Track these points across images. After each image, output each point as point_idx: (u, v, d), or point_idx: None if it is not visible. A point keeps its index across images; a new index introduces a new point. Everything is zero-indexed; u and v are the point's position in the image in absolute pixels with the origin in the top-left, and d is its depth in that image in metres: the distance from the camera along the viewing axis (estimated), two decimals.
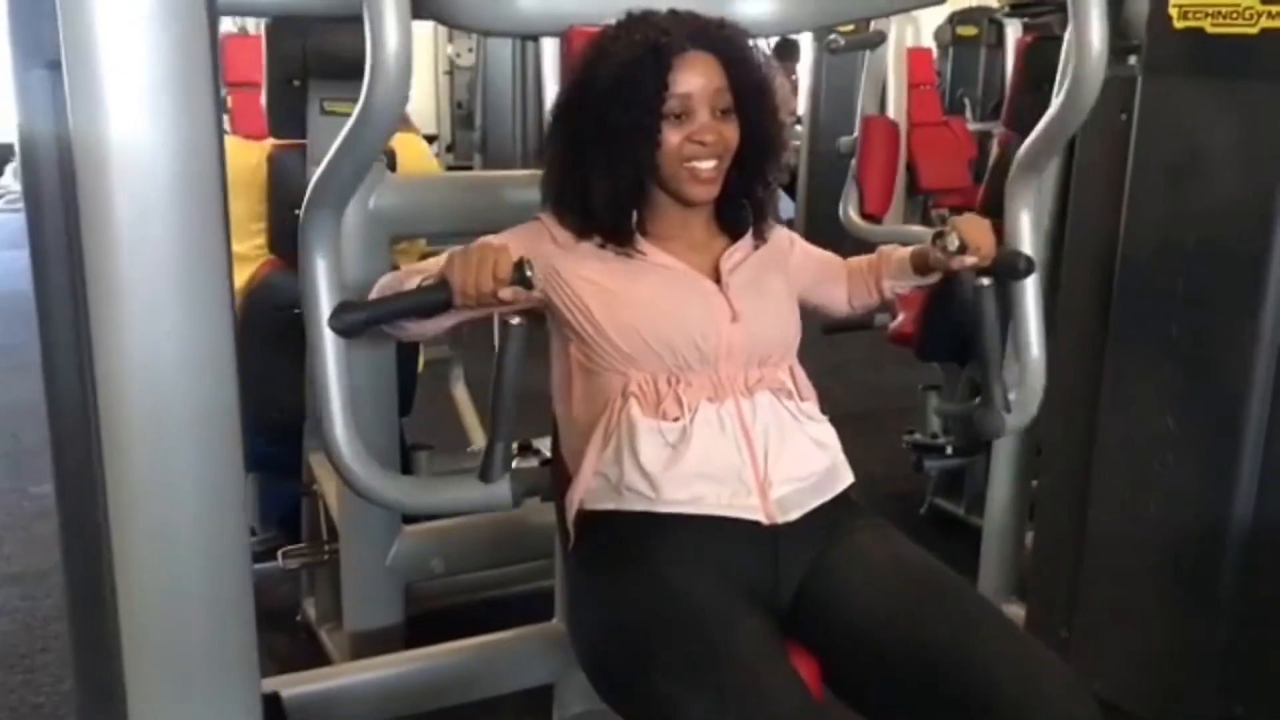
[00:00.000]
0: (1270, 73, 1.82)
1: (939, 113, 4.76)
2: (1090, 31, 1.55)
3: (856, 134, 3.43)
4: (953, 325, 2.86)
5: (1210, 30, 1.87)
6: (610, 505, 1.49)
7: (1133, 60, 2.23)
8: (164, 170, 1.02)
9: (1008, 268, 1.62)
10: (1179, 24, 1.91)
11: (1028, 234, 1.78)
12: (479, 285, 1.30)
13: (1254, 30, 1.83)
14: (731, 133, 1.50)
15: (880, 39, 3.27)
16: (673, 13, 1.53)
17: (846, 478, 1.57)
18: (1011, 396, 1.71)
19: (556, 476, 1.73)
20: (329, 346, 1.28)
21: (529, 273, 1.30)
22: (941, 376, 3.20)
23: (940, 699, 1.35)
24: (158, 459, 1.07)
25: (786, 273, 1.64)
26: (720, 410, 1.48)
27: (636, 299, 1.50)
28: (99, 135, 0.99)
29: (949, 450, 3.00)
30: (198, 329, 1.06)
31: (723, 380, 1.50)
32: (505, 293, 1.30)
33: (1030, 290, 1.76)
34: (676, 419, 1.47)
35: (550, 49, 4.79)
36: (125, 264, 1.01)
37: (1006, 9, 4.36)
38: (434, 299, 1.34)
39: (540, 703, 2.07)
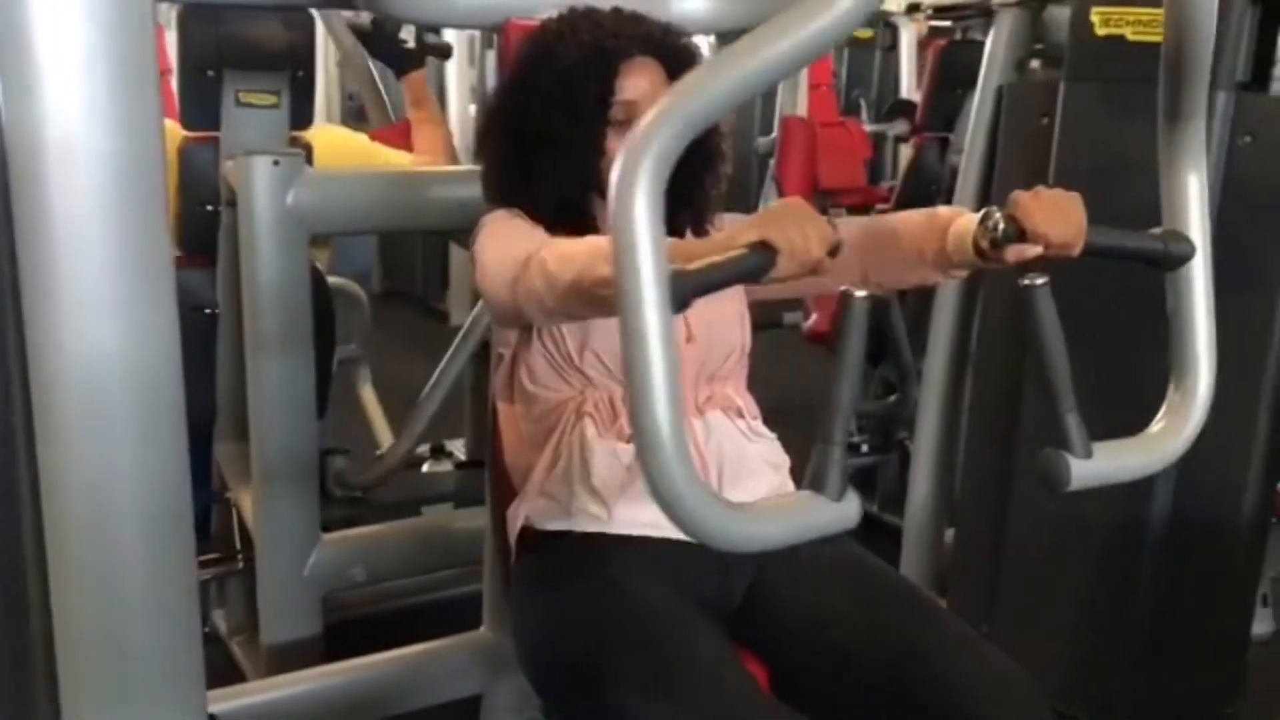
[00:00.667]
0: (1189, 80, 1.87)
1: (836, 113, 4.82)
2: None
3: (775, 134, 3.44)
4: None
5: (1131, 38, 1.92)
6: (560, 526, 1.45)
7: (1035, 64, 2.29)
8: (103, 154, 0.95)
9: (1150, 254, 1.30)
10: (1100, 31, 1.95)
11: (1194, 205, 1.34)
12: (810, 248, 1.09)
13: None
14: None
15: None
16: (616, 12, 1.49)
17: (791, 489, 1.56)
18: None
19: (495, 485, 1.69)
20: (663, 334, 0.93)
21: (839, 237, 1.12)
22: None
23: (893, 699, 1.35)
24: (97, 460, 0.99)
25: None
26: None
27: (595, 319, 1.45)
28: (34, 120, 0.93)
29: (864, 449, 3.03)
30: (141, 324, 0.98)
31: None
32: (828, 261, 1.12)
33: (1198, 283, 1.32)
34: (631, 440, 1.43)
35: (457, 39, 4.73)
36: (63, 255, 0.94)
37: (903, 9, 4.39)
38: (758, 265, 1.09)
39: (468, 713, 2.03)
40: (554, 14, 1.51)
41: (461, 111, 4.69)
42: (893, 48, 7.19)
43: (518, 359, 1.51)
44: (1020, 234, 1.23)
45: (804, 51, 0.93)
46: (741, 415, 1.53)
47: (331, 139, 2.31)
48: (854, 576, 1.47)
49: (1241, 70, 1.87)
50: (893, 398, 2.71)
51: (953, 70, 2.86)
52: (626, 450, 1.42)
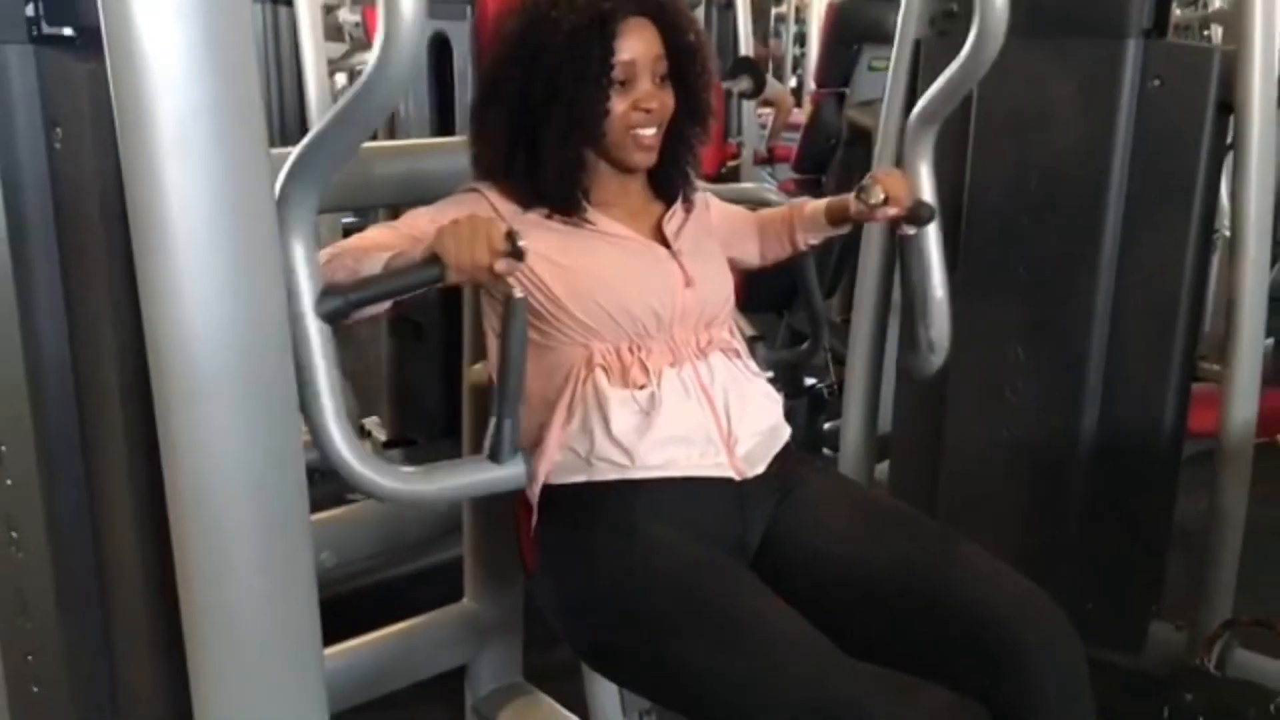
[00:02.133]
0: (1099, 28, 2.02)
1: None
2: None
3: None
4: (773, 277, 3.01)
5: None
6: (581, 477, 1.49)
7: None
8: (212, 139, 0.94)
9: (914, 216, 1.75)
10: None
11: (928, 182, 1.89)
12: (475, 259, 1.25)
13: None
14: (670, 99, 1.53)
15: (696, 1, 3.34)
16: None
17: (787, 429, 1.64)
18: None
19: None
20: (315, 335, 1.19)
21: (520, 243, 1.27)
22: (763, 327, 3.33)
23: (919, 625, 1.44)
24: (212, 435, 1.01)
25: (714, 230, 1.69)
26: (681, 374, 1.51)
27: (594, 270, 1.50)
28: (145, 107, 0.91)
29: (781, 397, 3.13)
30: (250, 301, 1.00)
31: (678, 344, 1.53)
32: (500, 265, 1.26)
33: (933, 237, 1.87)
34: (643, 386, 1.48)
35: (306, 17, 4.59)
36: (175, 239, 0.95)
37: None
38: (426, 276, 1.27)
39: (451, 684, 2.04)
40: None
41: (321, 94, 4.53)
42: (729, 5, 7.34)
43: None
44: (886, 199, 1.66)
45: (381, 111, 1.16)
46: (739, 356, 1.60)
47: None
48: (864, 507, 1.57)
49: (1146, 17, 2.02)
50: (804, 345, 2.83)
51: (848, 27, 2.96)
52: (641, 395, 1.48)
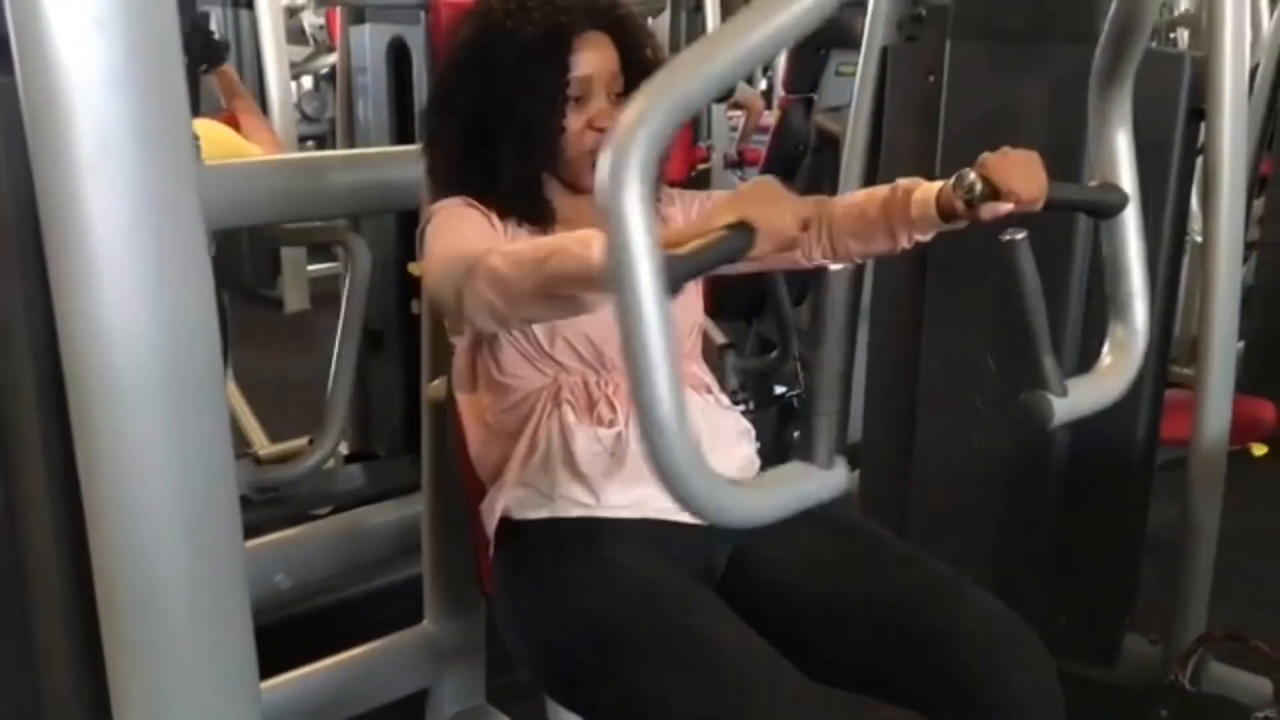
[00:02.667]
0: (1070, 35, 1.98)
1: None
2: None
3: None
4: (742, 285, 2.98)
5: None
6: (544, 514, 1.44)
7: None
8: (129, 122, 0.89)
9: (1089, 205, 1.43)
10: None
11: (1124, 160, 1.47)
12: (785, 224, 1.13)
13: None
14: None
15: (661, 6, 3.30)
16: None
17: (757, 462, 1.59)
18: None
19: (457, 477, 1.65)
20: (658, 314, 0.91)
21: (808, 213, 1.17)
22: (732, 336, 3.29)
23: (886, 649, 1.40)
24: (133, 438, 0.94)
25: None
26: None
27: None
28: (55, 91, 0.86)
29: (750, 405, 3.09)
30: (175, 298, 0.93)
31: None
32: (801, 235, 1.17)
33: (1130, 230, 1.44)
34: (611, 423, 1.43)
35: (268, 20, 4.53)
36: (92, 230, 0.88)
37: None
38: (739, 243, 1.12)
39: (412, 708, 1.99)
40: None
41: (284, 98, 4.45)
42: (698, 9, 7.31)
43: (479, 349, 1.47)
44: (993, 192, 1.31)
45: (785, 32, 0.92)
46: (710, 390, 1.55)
47: (206, 130, 2.19)
48: (831, 531, 1.52)
49: None
50: (773, 354, 2.80)
51: (814, 32, 2.92)
52: (607, 434, 1.42)
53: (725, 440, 1.51)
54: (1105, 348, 1.48)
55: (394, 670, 1.95)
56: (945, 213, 1.39)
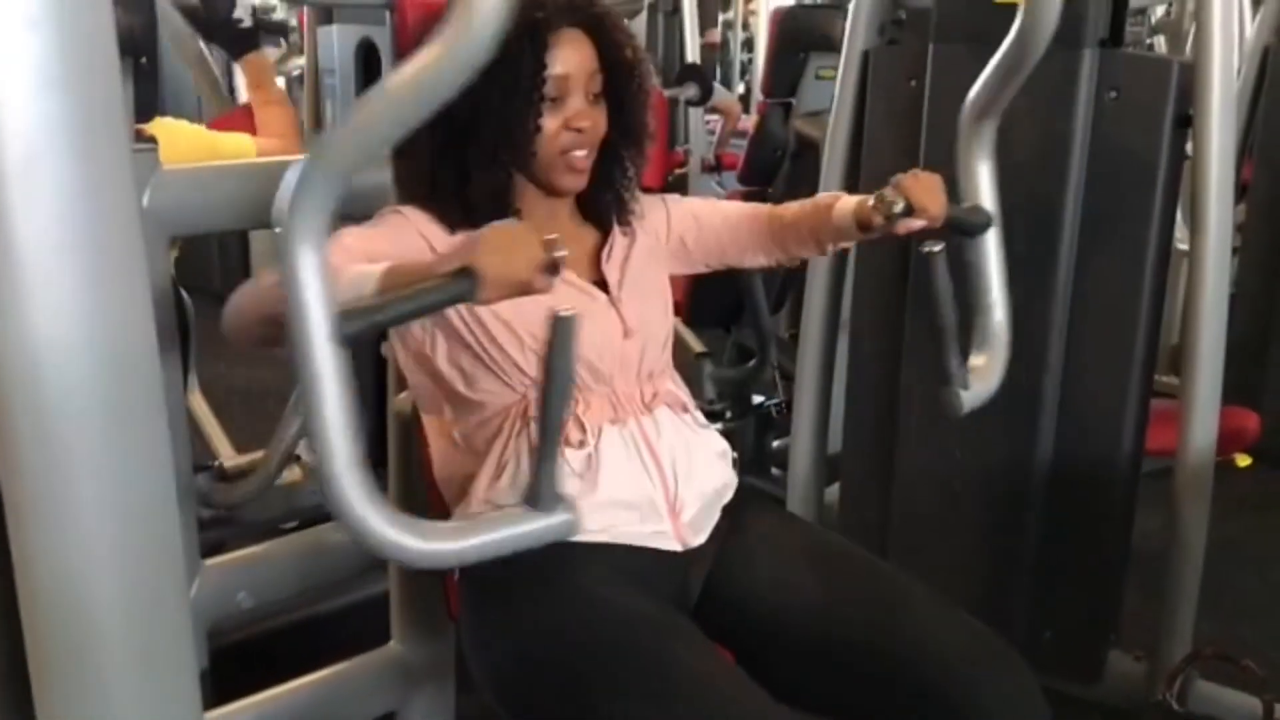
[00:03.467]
0: (1056, 38, 1.93)
1: None
2: None
3: None
4: (720, 292, 2.92)
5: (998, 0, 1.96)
6: None
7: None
8: (55, 119, 0.82)
9: (962, 224, 1.53)
10: None
11: (986, 186, 1.66)
12: (516, 273, 1.09)
13: None
14: (602, 119, 1.42)
15: (639, 8, 3.24)
16: None
17: (735, 482, 1.54)
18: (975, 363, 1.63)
19: (423, 498, 1.59)
20: (330, 366, 0.98)
21: (560, 253, 1.12)
22: (710, 344, 3.24)
23: (866, 671, 1.36)
24: (62, 459, 0.87)
25: (665, 250, 1.56)
26: (624, 431, 1.40)
27: (526, 312, 1.38)
28: None
29: (728, 415, 3.04)
30: (113, 305, 0.87)
31: (621, 399, 1.41)
32: (541, 282, 1.11)
33: (991, 248, 1.63)
34: (581, 444, 1.37)
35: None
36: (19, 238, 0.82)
37: None
38: (456, 292, 1.10)
39: None
40: None
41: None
42: (675, 11, 7.26)
43: (442, 369, 1.41)
44: (908, 209, 1.43)
45: (437, 95, 0.96)
46: (686, 409, 1.49)
47: (170, 131, 2.11)
48: (809, 551, 1.47)
49: (1102, 27, 1.95)
50: (751, 362, 2.74)
51: (794, 35, 2.88)
52: (577, 455, 1.36)
53: (701, 462, 1.45)
54: (974, 349, 1.66)
55: (361, 693, 1.89)
56: (863, 225, 1.48)
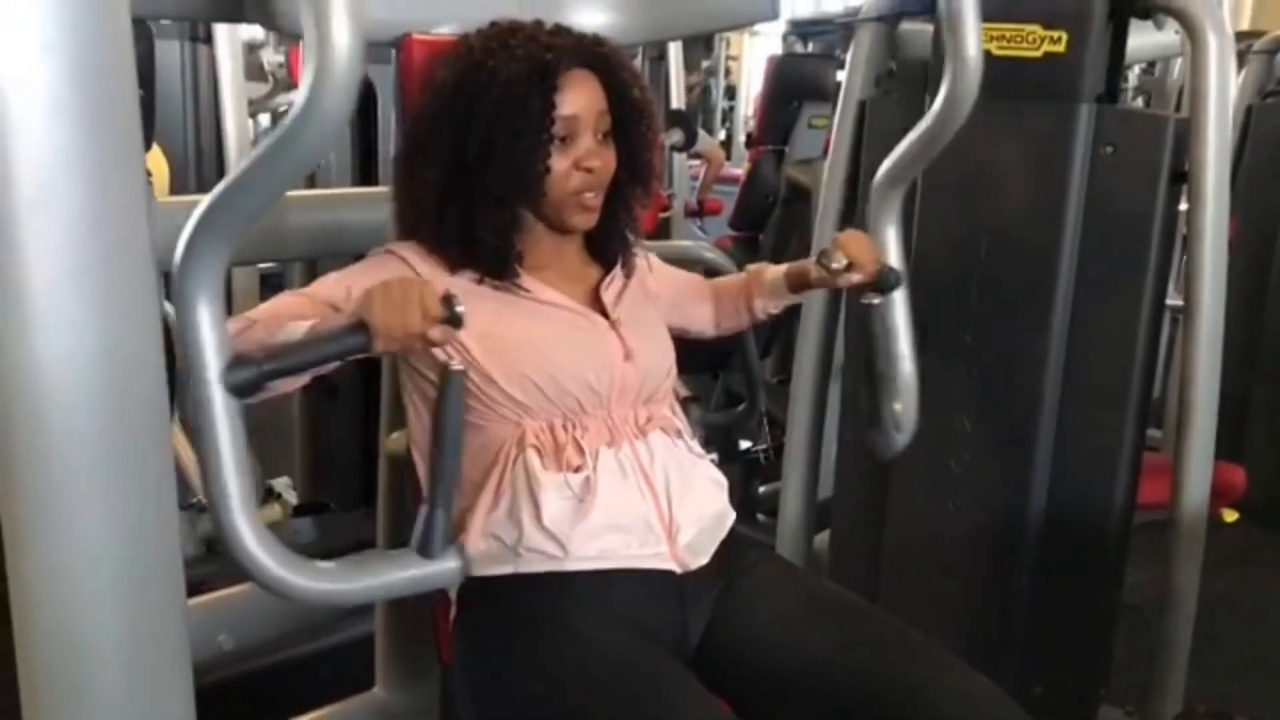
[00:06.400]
0: (1053, 93, 1.96)
1: None
2: (966, 42, 1.56)
3: None
4: (709, 338, 2.91)
5: (996, 53, 1.97)
6: (508, 569, 1.35)
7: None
8: (71, 148, 0.81)
9: (878, 282, 1.63)
10: None
11: (894, 246, 1.76)
12: (407, 325, 1.12)
13: (1037, 54, 1.96)
14: (612, 159, 1.42)
15: (632, 55, 3.25)
16: (540, 24, 1.42)
17: (732, 515, 1.52)
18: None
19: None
20: (220, 409, 1.04)
21: (458, 308, 1.14)
22: (698, 389, 3.22)
23: None
24: (67, 482, 0.87)
25: (657, 295, 1.58)
26: (619, 455, 1.38)
27: (526, 341, 1.38)
28: None
29: (716, 458, 3.01)
30: (125, 337, 0.87)
31: (616, 423, 1.40)
32: (435, 333, 1.13)
33: (900, 304, 1.74)
34: (579, 469, 1.35)
35: (227, 57, 4.44)
36: (30, 259, 0.81)
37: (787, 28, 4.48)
38: (350, 344, 1.14)
39: None
40: (471, 30, 1.42)
41: (241, 135, 4.36)
42: (661, 57, 7.33)
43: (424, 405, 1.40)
44: (848, 265, 1.54)
45: (316, 140, 0.97)
46: (681, 435, 1.48)
47: (156, 162, 2.10)
48: (809, 601, 1.45)
49: (1099, 83, 1.96)
50: (739, 408, 2.73)
51: (787, 83, 2.90)
52: (575, 479, 1.35)
53: (697, 486, 1.44)
54: (891, 398, 1.77)
55: None
56: (796, 287, 1.63)
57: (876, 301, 1.64)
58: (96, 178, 0.81)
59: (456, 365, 1.19)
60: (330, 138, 0.93)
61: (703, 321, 1.70)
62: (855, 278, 1.55)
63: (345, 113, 0.92)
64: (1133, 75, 5.10)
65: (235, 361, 1.08)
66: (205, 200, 0.98)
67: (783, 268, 1.65)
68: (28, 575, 0.88)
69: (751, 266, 1.71)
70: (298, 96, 0.90)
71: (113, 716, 0.92)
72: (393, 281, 1.15)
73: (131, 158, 0.84)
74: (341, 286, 1.36)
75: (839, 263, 1.53)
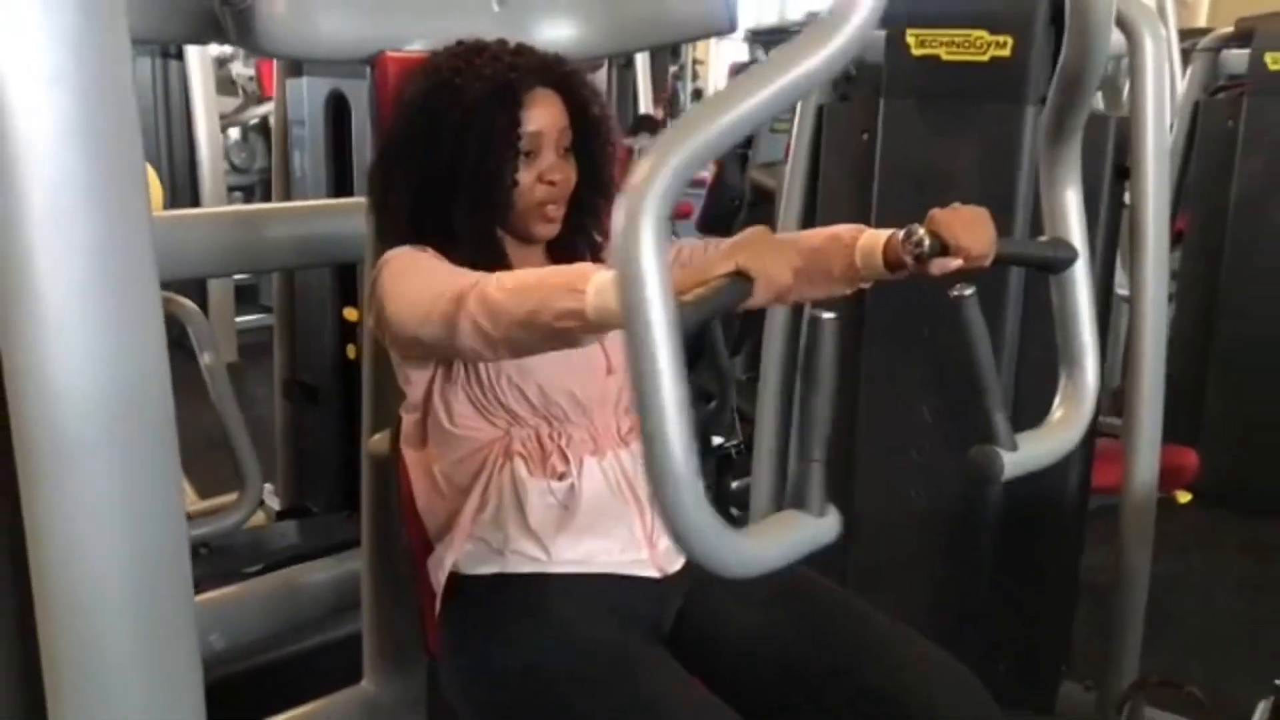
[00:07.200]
0: (1000, 95, 2.04)
1: None
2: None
3: None
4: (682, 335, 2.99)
5: (945, 58, 2.07)
6: (494, 569, 1.43)
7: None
8: (78, 167, 0.88)
9: (1042, 260, 1.44)
10: (916, 51, 2.09)
11: (1074, 216, 1.47)
12: (783, 278, 1.12)
13: (984, 58, 2.04)
14: (573, 172, 1.49)
15: (600, 64, 3.33)
16: (503, 43, 1.49)
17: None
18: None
19: (402, 534, 1.62)
20: (673, 360, 0.92)
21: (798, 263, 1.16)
22: None
23: (836, 703, 1.40)
24: (83, 491, 0.93)
25: None
26: (602, 464, 1.46)
27: (548, 369, 1.42)
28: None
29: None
30: (132, 348, 0.93)
31: (599, 431, 1.47)
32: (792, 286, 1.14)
33: (1080, 284, 1.45)
34: (563, 476, 1.42)
35: (198, 71, 4.49)
36: (39, 276, 0.87)
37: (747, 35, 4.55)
38: (739, 292, 1.11)
39: None
40: (436, 47, 1.49)
41: (213, 149, 4.41)
42: (628, 65, 7.41)
43: (432, 402, 1.46)
44: (943, 248, 1.31)
45: (795, 89, 0.96)
46: None
47: (153, 182, 2.16)
48: (779, 586, 1.52)
49: (1043, 85, 2.05)
50: (711, 404, 2.81)
51: None
52: (560, 487, 1.42)
53: None
54: (1057, 401, 1.46)
55: None
56: (891, 265, 1.39)
57: (969, 292, 1.31)
58: (103, 196, 0.88)
59: (829, 315, 1.09)
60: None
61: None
62: (953, 264, 1.33)
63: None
64: None
65: (678, 312, 0.94)
66: (647, 163, 0.91)
67: (881, 238, 1.41)
68: (47, 571, 0.94)
69: (841, 229, 1.48)
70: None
71: (127, 687, 0.98)
72: (758, 233, 1.14)
73: (134, 176, 0.90)
74: (445, 269, 1.37)
75: (922, 247, 1.31)
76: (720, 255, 1.14)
